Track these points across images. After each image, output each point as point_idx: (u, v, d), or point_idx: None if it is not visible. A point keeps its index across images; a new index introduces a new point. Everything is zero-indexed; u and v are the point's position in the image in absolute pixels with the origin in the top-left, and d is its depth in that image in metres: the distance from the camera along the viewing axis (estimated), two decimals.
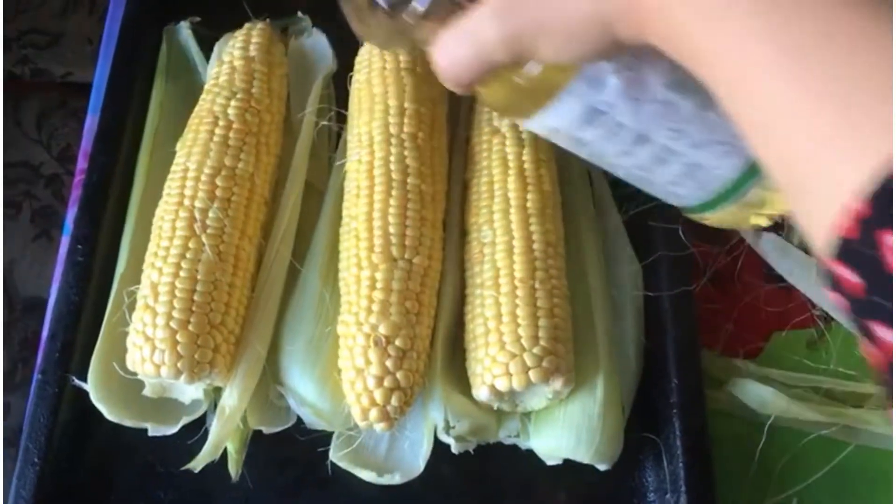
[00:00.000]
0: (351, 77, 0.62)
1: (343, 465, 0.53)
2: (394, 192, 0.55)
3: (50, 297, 0.60)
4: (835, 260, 0.27)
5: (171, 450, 0.53)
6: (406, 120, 0.58)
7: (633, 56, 0.40)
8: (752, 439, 0.56)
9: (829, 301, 0.60)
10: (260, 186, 0.57)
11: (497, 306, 0.53)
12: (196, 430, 0.54)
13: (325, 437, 0.54)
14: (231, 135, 0.57)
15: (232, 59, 0.61)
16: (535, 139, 0.59)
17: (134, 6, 0.65)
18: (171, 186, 0.56)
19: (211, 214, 0.54)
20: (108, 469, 0.55)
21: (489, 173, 0.58)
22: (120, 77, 0.63)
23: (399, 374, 0.50)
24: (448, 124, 0.62)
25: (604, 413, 0.53)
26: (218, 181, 0.55)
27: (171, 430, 0.53)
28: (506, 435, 0.55)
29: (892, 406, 0.26)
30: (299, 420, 0.54)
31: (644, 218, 0.59)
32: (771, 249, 0.63)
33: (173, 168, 0.57)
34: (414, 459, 0.53)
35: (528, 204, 0.56)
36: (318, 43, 0.66)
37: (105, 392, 0.53)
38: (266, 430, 0.54)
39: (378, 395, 0.50)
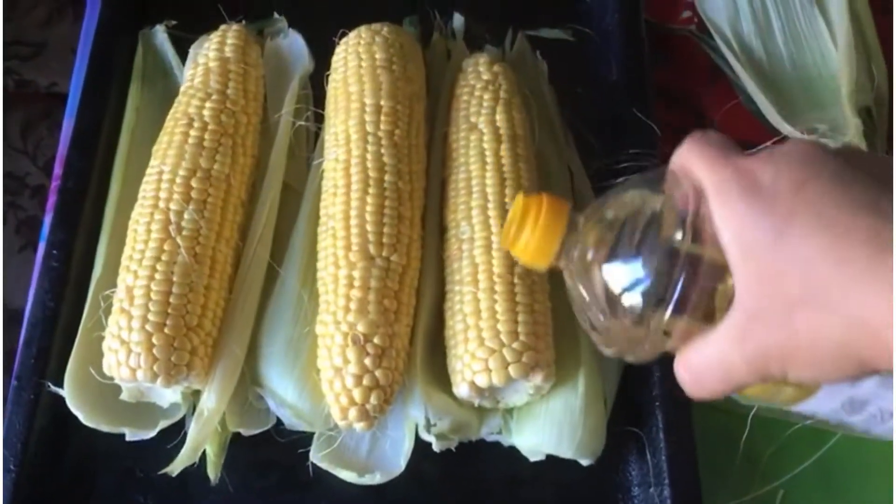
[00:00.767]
0: (328, 77, 0.62)
1: (324, 465, 0.52)
2: (371, 191, 0.55)
3: (27, 304, 0.59)
4: None
5: (151, 454, 0.53)
6: (382, 118, 0.58)
7: None
8: (737, 431, 0.56)
9: None
10: (236, 188, 0.57)
11: (476, 302, 0.52)
12: (176, 434, 0.53)
13: (305, 439, 0.53)
14: (206, 136, 0.57)
15: (207, 60, 0.61)
16: (514, 135, 0.59)
17: (109, 10, 0.65)
18: (146, 189, 0.55)
19: (186, 217, 0.53)
20: (87, 474, 0.54)
21: (467, 170, 0.58)
22: (95, 82, 0.62)
23: (378, 373, 0.50)
24: (426, 121, 0.62)
25: (586, 407, 0.53)
26: (193, 183, 0.55)
27: (150, 434, 0.53)
28: (488, 432, 0.55)
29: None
30: (279, 422, 0.54)
31: None
32: None
33: (148, 171, 0.56)
34: (395, 459, 0.53)
35: (507, 200, 0.56)
36: (294, 44, 0.66)
37: (82, 397, 0.52)
38: (245, 432, 0.54)
39: (357, 394, 0.50)
